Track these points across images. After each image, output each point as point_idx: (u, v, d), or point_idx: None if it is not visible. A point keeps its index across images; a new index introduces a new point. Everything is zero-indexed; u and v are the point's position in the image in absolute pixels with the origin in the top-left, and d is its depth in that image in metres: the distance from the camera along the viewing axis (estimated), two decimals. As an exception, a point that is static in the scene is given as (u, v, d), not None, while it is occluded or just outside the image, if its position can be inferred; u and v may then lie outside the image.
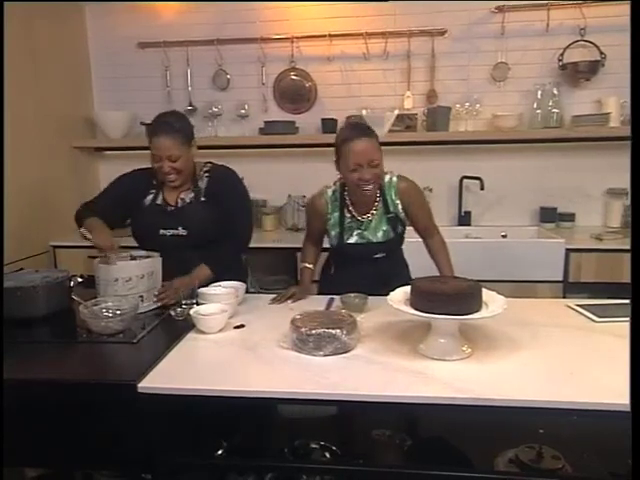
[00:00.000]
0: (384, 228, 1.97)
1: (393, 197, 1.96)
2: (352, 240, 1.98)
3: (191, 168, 2.00)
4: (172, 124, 1.91)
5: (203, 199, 2.01)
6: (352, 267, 2.02)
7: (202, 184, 2.02)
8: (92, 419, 1.32)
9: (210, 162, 2.10)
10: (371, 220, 1.97)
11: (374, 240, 1.98)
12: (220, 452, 1.58)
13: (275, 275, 3.11)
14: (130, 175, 2.08)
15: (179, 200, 2.01)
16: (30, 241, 2.86)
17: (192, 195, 2.01)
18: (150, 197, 2.03)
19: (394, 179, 1.97)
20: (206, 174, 2.04)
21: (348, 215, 1.98)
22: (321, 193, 2.03)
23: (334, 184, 2.03)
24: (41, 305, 1.71)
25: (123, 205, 2.02)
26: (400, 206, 1.97)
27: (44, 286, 1.74)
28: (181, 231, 1.98)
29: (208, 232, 1.98)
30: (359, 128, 1.92)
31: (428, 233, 2.07)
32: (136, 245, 2.05)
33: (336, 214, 1.99)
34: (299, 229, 3.29)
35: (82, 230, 1.86)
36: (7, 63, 2.63)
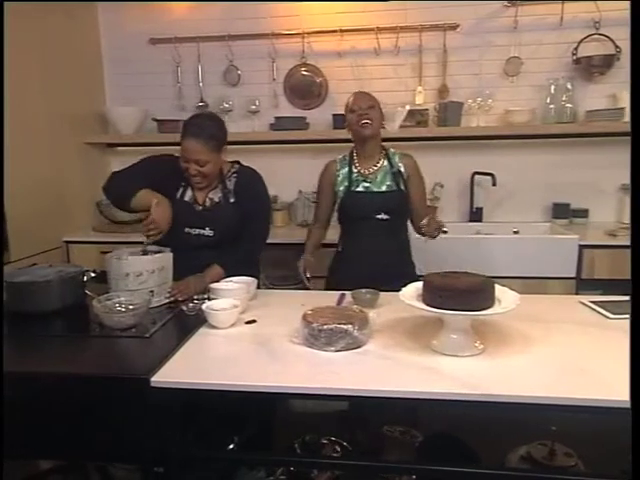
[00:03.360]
0: (388, 183, 2.16)
1: (397, 160, 2.19)
2: (358, 189, 2.16)
3: (218, 172, 1.98)
4: (205, 128, 1.87)
5: (232, 200, 1.99)
6: (359, 239, 2.16)
7: (230, 185, 2.01)
8: (105, 413, 1.33)
9: (237, 162, 2.09)
10: (377, 175, 2.16)
11: (377, 190, 2.15)
12: (231, 446, 1.59)
13: (285, 271, 3.10)
14: (162, 159, 2.03)
15: (207, 199, 2.00)
16: (43, 236, 2.89)
17: (220, 195, 2.00)
18: (180, 191, 2.00)
19: (397, 151, 2.23)
20: (234, 175, 2.03)
21: (355, 170, 2.19)
22: (333, 160, 2.27)
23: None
24: (55, 299, 1.72)
25: (154, 189, 1.93)
26: (402, 168, 2.18)
27: (58, 281, 1.75)
28: (207, 231, 1.97)
29: (233, 234, 1.97)
30: None
31: (419, 215, 2.12)
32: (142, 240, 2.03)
33: (345, 170, 2.20)
34: (309, 225, 3.28)
35: (154, 202, 1.82)
36: (20, 60, 2.66)
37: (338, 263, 2.26)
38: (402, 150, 2.25)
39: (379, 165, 2.17)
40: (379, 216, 2.13)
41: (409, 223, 2.24)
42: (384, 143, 2.23)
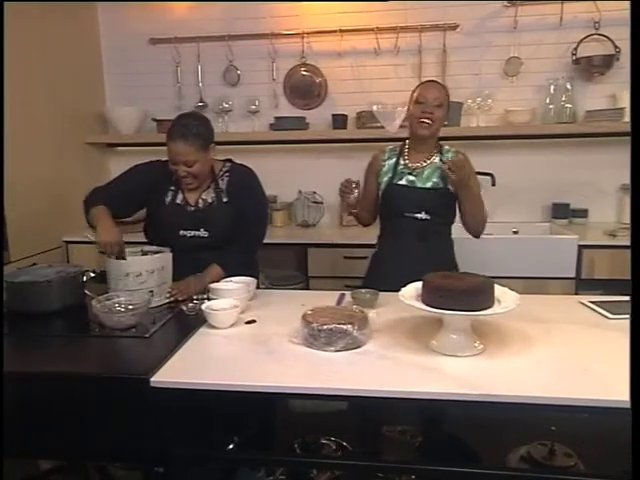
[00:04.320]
0: (435, 180, 2.03)
1: (449, 157, 2.04)
2: (401, 182, 2.05)
3: (208, 171, 1.96)
4: (190, 128, 1.85)
5: (225, 199, 1.98)
6: (396, 239, 2.06)
7: (223, 184, 2.00)
8: (105, 412, 1.33)
9: (230, 160, 2.07)
10: (424, 170, 2.04)
11: (422, 186, 2.02)
12: (231, 446, 1.59)
13: (285, 271, 3.11)
14: (149, 166, 2.03)
15: (200, 200, 1.98)
16: (43, 236, 2.89)
17: (213, 195, 1.98)
18: (170, 195, 1.99)
19: (452, 148, 2.09)
20: (226, 174, 2.02)
21: (402, 163, 2.08)
22: (382, 149, 2.16)
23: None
24: (55, 299, 1.72)
25: (139, 196, 1.97)
26: None
27: (58, 281, 1.75)
28: (202, 233, 1.95)
29: (229, 234, 1.96)
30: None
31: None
32: (146, 241, 2.04)
33: (392, 161, 2.09)
34: (309, 225, 3.29)
35: (88, 235, 1.81)
36: (20, 60, 2.66)
37: (374, 265, 2.16)
38: (457, 148, 2.11)
39: (429, 160, 2.04)
40: (419, 215, 2.00)
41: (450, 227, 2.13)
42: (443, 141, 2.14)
